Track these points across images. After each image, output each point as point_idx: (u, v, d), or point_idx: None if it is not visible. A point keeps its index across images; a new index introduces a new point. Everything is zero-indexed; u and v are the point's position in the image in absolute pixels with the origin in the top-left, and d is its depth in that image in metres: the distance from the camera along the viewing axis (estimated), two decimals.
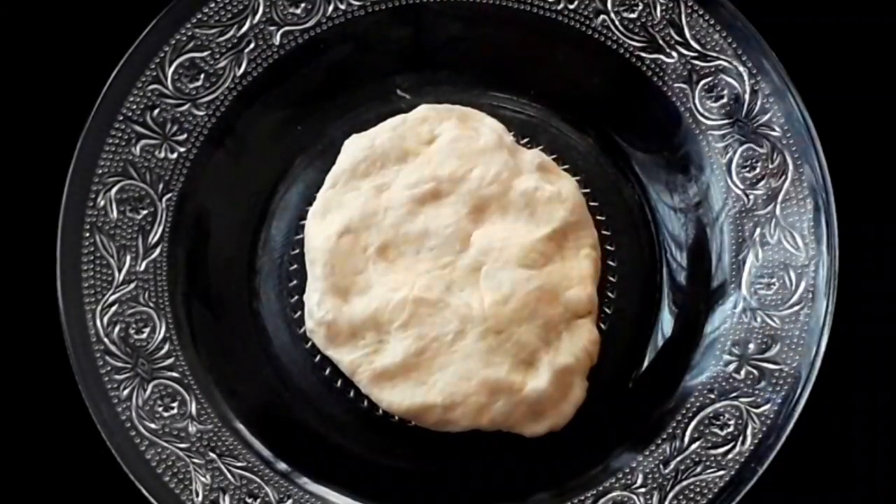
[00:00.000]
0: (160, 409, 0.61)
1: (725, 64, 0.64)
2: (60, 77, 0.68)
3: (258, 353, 0.64)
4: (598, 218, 0.66)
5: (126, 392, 0.61)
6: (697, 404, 0.61)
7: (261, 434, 0.62)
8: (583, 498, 0.61)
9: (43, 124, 0.68)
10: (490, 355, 0.61)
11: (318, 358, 0.64)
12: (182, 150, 0.64)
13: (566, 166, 0.66)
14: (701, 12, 0.64)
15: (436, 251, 0.62)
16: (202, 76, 0.64)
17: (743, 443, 0.60)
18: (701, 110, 0.64)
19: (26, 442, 0.65)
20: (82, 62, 0.67)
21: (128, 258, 0.63)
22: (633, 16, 0.65)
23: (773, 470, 0.60)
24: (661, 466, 0.61)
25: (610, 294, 0.65)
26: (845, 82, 0.69)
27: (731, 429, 0.61)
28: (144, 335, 0.62)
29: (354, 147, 0.65)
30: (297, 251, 0.65)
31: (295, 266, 0.65)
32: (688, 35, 0.64)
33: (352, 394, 0.64)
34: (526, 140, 0.66)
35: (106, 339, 0.61)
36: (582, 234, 0.64)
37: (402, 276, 0.62)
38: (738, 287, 0.62)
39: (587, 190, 0.66)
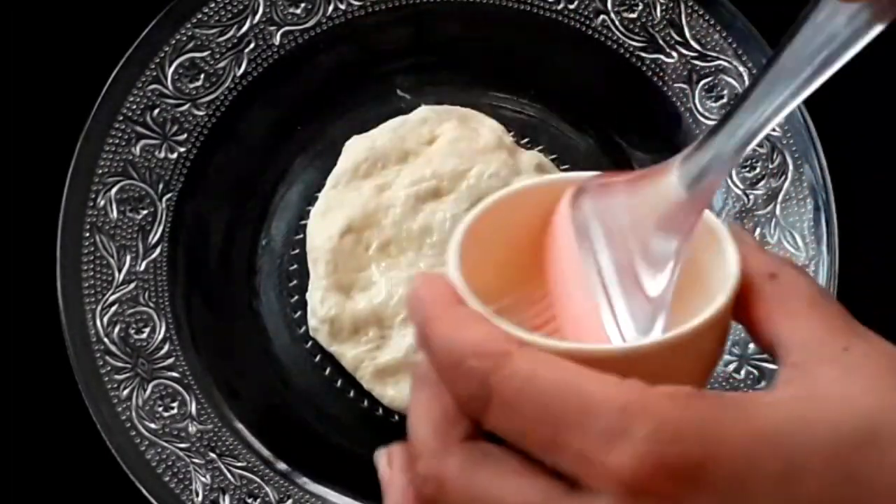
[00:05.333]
0: (160, 409, 0.61)
1: (725, 64, 0.64)
2: (60, 77, 0.68)
3: (258, 353, 0.64)
4: None
5: (126, 392, 0.61)
6: None
7: (261, 434, 0.62)
8: None
9: (43, 124, 0.68)
10: None
11: (318, 358, 0.64)
12: (182, 150, 0.64)
13: (566, 166, 0.66)
14: (701, 12, 0.64)
15: (437, 248, 0.62)
16: (202, 76, 0.64)
17: None
18: (701, 110, 0.64)
19: (26, 442, 0.65)
20: (82, 62, 0.67)
21: (128, 258, 0.63)
22: (633, 16, 0.65)
23: None
24: None
25: None
26: (845, 82, 0.69)
27: None
28: (144, 335, 0.62)
29: (355, 148, 0.65)
30: (297, 251, 0.65)
31: (295, 266, 0.65)
32: (688, 35, 0.64)
33: (352, 393, 0.63)
34: (526, 140, 0.66)
35: (106, 339, 0.61)
36: None
37: (405, 273, 0.62)
38: None
39: None
